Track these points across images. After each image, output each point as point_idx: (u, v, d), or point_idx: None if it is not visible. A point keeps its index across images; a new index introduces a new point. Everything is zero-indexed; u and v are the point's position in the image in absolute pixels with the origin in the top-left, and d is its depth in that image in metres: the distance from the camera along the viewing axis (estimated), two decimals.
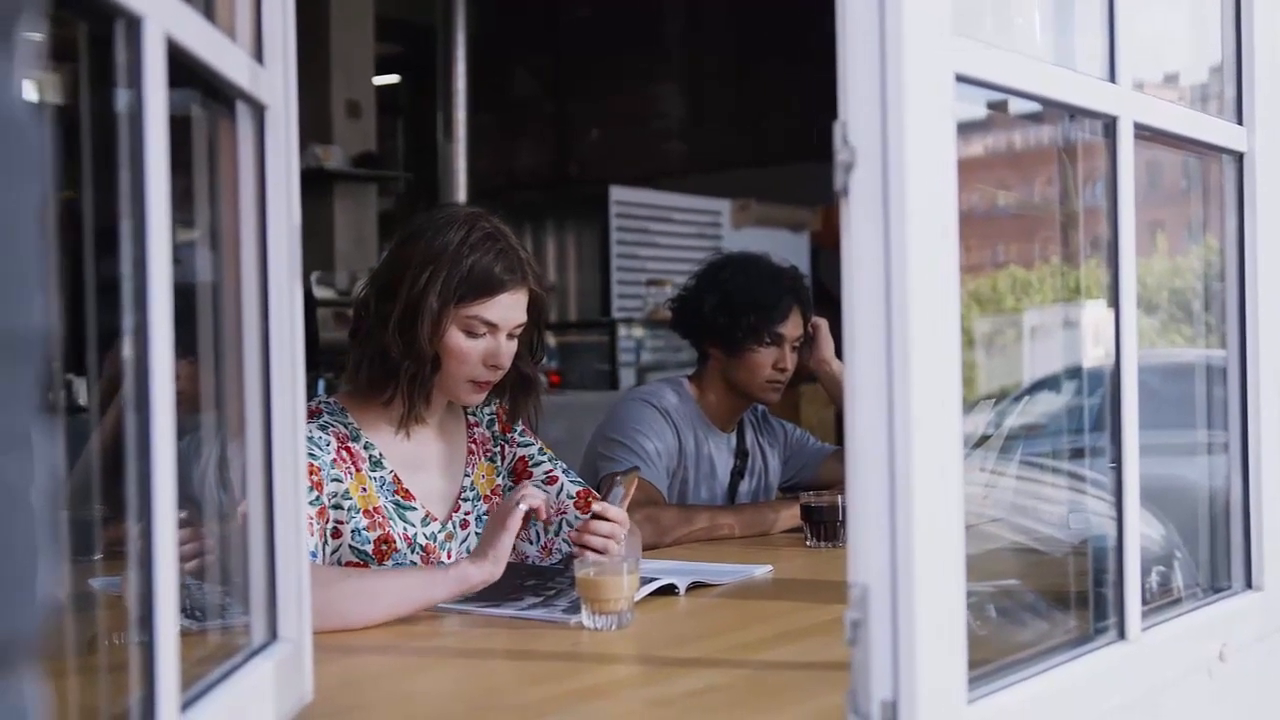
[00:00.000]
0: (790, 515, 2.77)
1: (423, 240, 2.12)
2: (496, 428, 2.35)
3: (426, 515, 2.18)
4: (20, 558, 0.56)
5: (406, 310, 2.09)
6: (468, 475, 2.28)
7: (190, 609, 1.27)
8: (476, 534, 2.24)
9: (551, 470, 2.33)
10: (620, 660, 1.70)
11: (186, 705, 1.06)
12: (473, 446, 2.30)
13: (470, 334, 2.13)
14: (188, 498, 1.10)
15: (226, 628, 1.39)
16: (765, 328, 2.92)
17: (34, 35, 0.60)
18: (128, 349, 0.97)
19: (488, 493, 2.30)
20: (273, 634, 1.34)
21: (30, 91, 0.59)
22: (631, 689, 1.58)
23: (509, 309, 2.14)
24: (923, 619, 1.13)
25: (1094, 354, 1.90)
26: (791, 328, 2.95)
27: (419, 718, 1.51)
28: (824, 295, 4.60)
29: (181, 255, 1.05)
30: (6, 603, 0.56)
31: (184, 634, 1.04)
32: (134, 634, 1.13)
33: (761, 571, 2.30)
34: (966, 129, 1.28)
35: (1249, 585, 1.77)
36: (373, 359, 2.13)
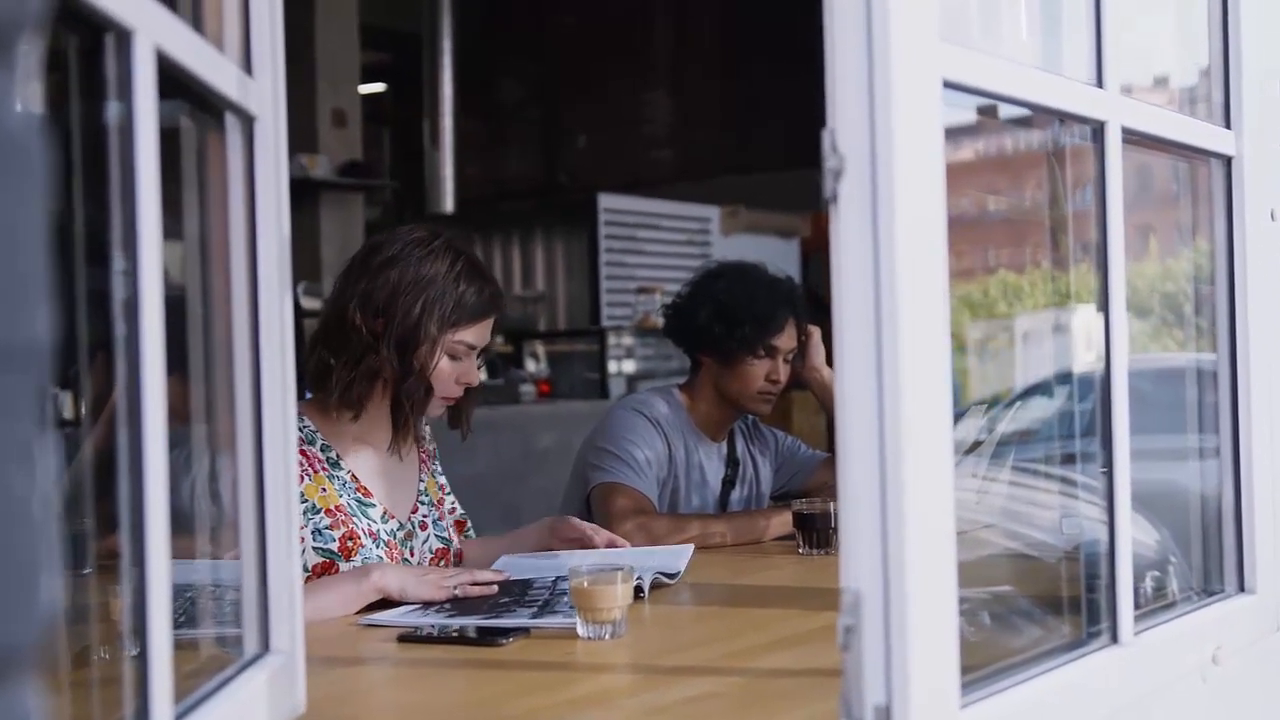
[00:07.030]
0: (781, 522, 2.76)
1: (407, 268, 2.20)
2: (433, 447, 2.46)
3: (385, 513, 2.27)
4: (24, 568, 0.56)
5: (402, 336, 2.19)
6: (422, 481, 2.39)
7: (179, 620, 1.27)
8: (436, 535, 2.36)
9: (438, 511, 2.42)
10: (615, 669, 1.70)
11: (179, 718, 1.06)
12: (424, 456, 2.42)
13: (452, 357, 2.24)
14: (178, 511, 1.10)
15: (218, 638, 1.38)
16: (760, 340, 2.89)
17: (33, 49, 0.60)
18: (120, 362, 0.97)
19: (436, 501, 2.41)
20: (265, 646, 1.33)
21: (30, 104, 0.59)
22: (628, 697, 1.58)
23: (487, 332, 2.29)
24: (915, 624, 1.12)
25: (1085, 359, 1.91)
26: (786, 340, 2.93)
27: None
28: (814, 302, 4.60)
29: (169, 267, 1.05)
30: (10, 612, 0.56)
31: (176, 645, 1.04)
32: (122, 647, 1.13)
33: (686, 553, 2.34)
34: (956, 133, 1.28)
35: (1241, 589, 1.78)
36: (361, 379, 2.20)
